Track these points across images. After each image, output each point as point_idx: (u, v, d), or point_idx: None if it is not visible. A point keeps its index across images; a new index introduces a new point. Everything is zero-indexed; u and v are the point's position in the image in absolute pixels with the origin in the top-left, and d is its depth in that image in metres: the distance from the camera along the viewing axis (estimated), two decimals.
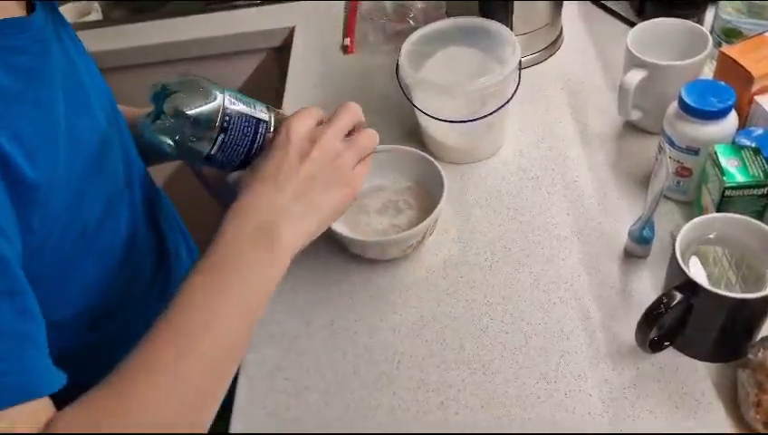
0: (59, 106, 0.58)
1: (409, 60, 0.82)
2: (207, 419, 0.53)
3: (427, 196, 0.78)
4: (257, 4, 1.25)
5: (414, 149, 0.79)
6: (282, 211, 0.58)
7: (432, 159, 0.77)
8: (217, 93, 0.59)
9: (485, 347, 0.67)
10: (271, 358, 0.70)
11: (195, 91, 0.59)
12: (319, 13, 1.18)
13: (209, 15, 1.25)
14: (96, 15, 1.45)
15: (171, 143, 0.58)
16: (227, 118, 0.59)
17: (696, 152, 0.70)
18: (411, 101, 0.82)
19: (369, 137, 0.64)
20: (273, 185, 0.58)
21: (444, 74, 0.82)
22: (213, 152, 0.60)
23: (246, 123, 0.60)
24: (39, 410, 0.49)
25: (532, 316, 0.69)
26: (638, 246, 0.71)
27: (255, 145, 0.61)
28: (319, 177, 0.59)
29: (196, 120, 0.58)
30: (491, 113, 0.79)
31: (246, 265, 0.56)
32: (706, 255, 0.62)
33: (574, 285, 0.71)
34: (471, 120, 0.80)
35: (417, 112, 0.83)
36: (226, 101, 0.59)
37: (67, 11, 1.42)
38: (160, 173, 1.28)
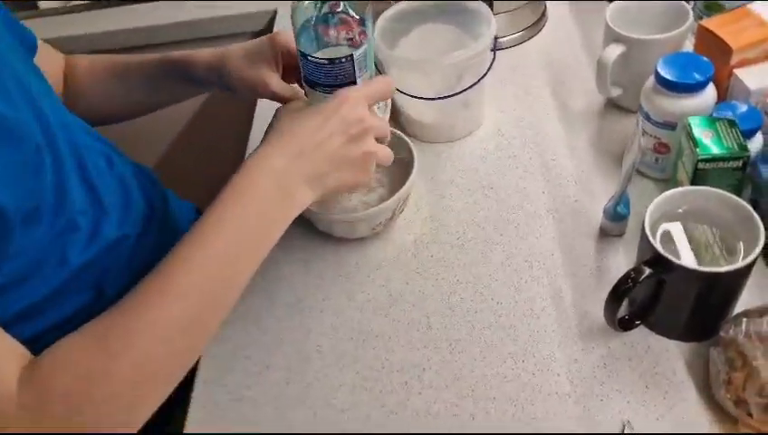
0: None
1: (383, 37, 0.80)
2: (201, 345, 0.55)
3: (401, 174, 0.76)
4: None
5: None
6: (298, 175, 0.58)
7: (403, 135, 0.75)
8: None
9: (453, 326, 0.65)
10: (233, 336, 0.68)
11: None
12: None
13: (190, 1, 1.23)
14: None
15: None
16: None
17: (673, 127, 0.68)
18: None
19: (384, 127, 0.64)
20: (301, 148, 0.58)
21: (419, 52, 0.80)
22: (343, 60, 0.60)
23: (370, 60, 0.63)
24: None
25: (503, 295, 0.67)
26: (613, 223, 0.69)
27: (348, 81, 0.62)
28: (346, 162, 0.60)
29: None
30: (466, 89, 0.77)
31: (261, 204, 0.57)
32: (693, 230, 0.59)
33: (547, 263, 0.69)
34: (446, 97, 0.78)
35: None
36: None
37: None
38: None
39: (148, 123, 0.95)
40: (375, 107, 0.66)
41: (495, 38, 0.77)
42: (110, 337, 0.50)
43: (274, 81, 0.66)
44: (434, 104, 0.80)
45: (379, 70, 0.80)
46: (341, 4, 0.59)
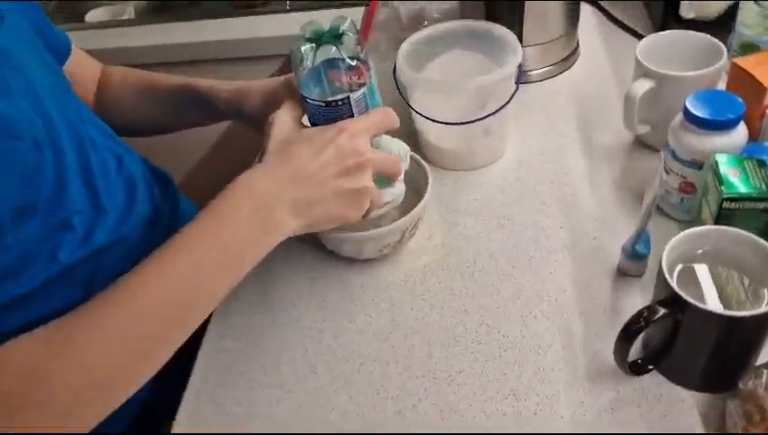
0: None
1: (409, 60, 0.79)
2: (154, 361, 0.53)
3: (414, 197, 0.74)
4: (279, 12, 1.25)
5: None
6: (284, 201, 0.56)
7: (419, 158, 0.74)
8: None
9: (455, 357, 0.62)
10: (230, 351, 0.66)
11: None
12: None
13: (234, 20, 1.26)
14: (129, 16, 1.49)
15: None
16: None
17: (700, 167, 0.65)
18: (406, 101, 0.79)
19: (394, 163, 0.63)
20: (292, 173, 0.57)
21: (444, 76, 0.79)
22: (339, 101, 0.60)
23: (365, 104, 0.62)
24: None
25: (510, 329, 0.64)
26: (631, 262, 0.65)
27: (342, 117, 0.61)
28: (337, 193, 0.58)
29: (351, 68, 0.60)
30: (487, 116, 0.75)
31: (238, 227, 0.55)
32: (716, 273, 0.56)
33: (559, 299, 0.66)
34: (466, 123, 0.76)
35: (414, 114, 0.80)
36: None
37: (103, 12, 1.47)
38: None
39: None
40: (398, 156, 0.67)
41: (520, 66, 0.76)
42: (58, 341, 0.49)
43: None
44: (455, 130, 0.78)
45: (402, 95, 0.80)
46: (335, 49, 0.60)
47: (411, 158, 0.74)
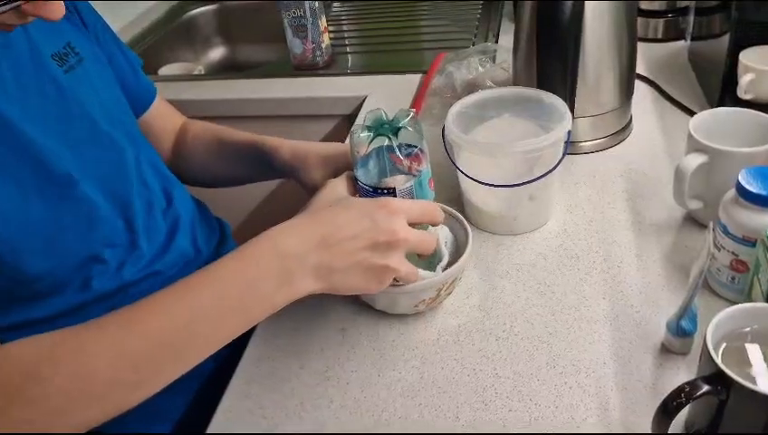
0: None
1: (459, 121, 0.80)
2: (149, 385, 0.53)
3: (455, 257, 0.73)
4: (339, 74, 1.30)
5: (447, 207, 0.76)
6: (306, 263, 0.56)
7: (461, 217, 0.74)
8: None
9: (483, 422, 0.60)
10: (255, 395, 0.65)
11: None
12: (393, 85, 1.21)
13: (295, 80, 1.31)
14: (199, 73, 1.57)
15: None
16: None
17: (753, 244, 0.62)
18: (453, 161, 0.80)
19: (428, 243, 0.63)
20: (322, 237, 0.56)
21: (492, 139, 0.80)
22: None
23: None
24: None
25: (543, 398, 0.61)
26: (676, 338, 0.63)
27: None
28: (361, 266, 0.58)
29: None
30: (533, 180, 0.75)
31: (256, 278, 0.55)
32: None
33: (597, 372, 0.63)
34: (511, 186, 0.76)
35: (460, 176, 0.81)
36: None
37: (176, 67, 1.55)
38: None
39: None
40: (442, 241, 0.68)
41: (569, 133, 0.76)
42: (64, 347, 0.50)
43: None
44: (499, 193, 0.78)
45: (449, 154, 0.80)
46: (388, 142, 0.66)
47: (453, 217, 0.74)
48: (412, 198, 0.63)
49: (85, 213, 0.62)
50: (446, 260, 0.69)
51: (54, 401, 0.48)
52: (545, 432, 0.54)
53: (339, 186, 0.64)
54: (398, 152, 0.68)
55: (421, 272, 0.65)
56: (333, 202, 0.60)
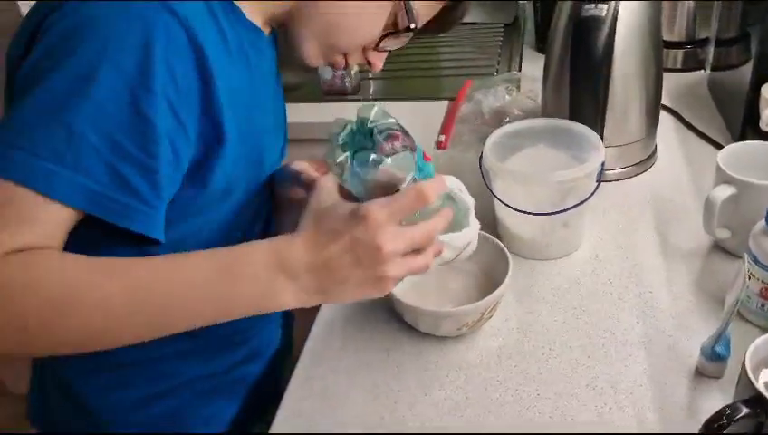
0: (256, 94, 0.71)
1: (495, 151, 0.84)
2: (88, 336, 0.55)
3: (492, 284, 0.77)
4: (367, 100, 1.34)
5: (485, 234, 0.79)
6: (296, 284, 0.57)
7: (500, 243, 0.77)
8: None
9: None
10: (307, 413, 0.69)
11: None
12: (421, 111, 1.25)
13: (324, 104, 1.35)
14: None
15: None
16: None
17: None
18: (490, 189, 0.83)
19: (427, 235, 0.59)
20: (310, 260, 0.56)
21: (527, 168, 0.84)
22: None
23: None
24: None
25: (584, 418, 0.64)
26: (710, 363, 0.66)
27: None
28: (352, 281, 0.57)
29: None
30: (568, 208, 0.79)
31: (244, 280, 0.57)
32: None
33: (634, 393, 0.66)
34: (546, 214, 0.79)
35: (495, 202, 0.84)
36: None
37: None
38: None
39: None
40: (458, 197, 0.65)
41: (602, 164, 0.79)
42: (65, 275, 0.53)
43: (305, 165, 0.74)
44: (534, 220, 0.81)
45: (486, 182, 0.84)
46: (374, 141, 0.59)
47: (491, 242, 0.78)
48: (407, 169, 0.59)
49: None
50: (472, 211, 0.67)
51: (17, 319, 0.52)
52: (546, 432, 0.56)
53: (330, 186, 0.61)
54: (382, 143, 0.61)
55: (443, 237, 0.63)
56: (320, 215, 0.59)
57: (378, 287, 0.58)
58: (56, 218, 0.54)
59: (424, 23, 0.74)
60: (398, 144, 0.61)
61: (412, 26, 0.71)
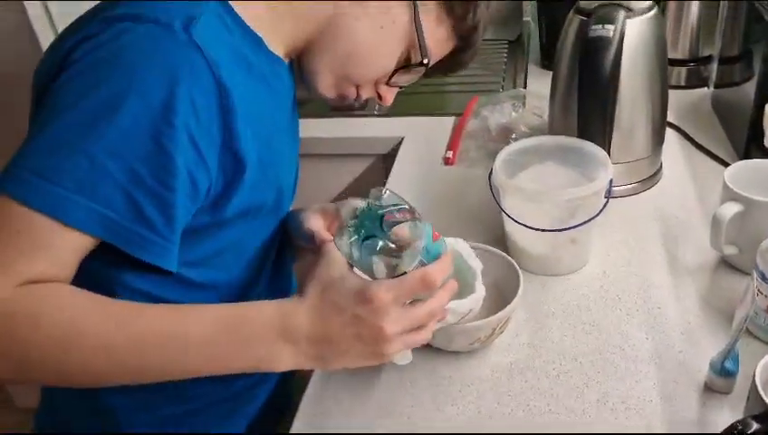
0: (276, 121, 0.73)
1: (504, 167, 0.85)
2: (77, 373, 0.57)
3: (503, 299, 0.78)
4: (374, 115, 1.36)
5: (496, 250, 0.80)
6: (300, 345, 0.59)
7: (511, 259, 0.78)
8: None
9: None
10: (321, 428, 0.69)
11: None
12: (428, 127, 1.26)
13: (332, 120, 1.37)
14: None
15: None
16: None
17: None
18: (500, 205, 0.85)
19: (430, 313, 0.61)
20: (314, 335, 0.58)
21: (536, 185, 0.85)
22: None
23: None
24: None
25: (595, 432, 0.65)
26: (720, 378, 0.67)
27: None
28: (352, 353, 0.59)
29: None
30: (576, 225, 0.80)
31: (246, 340, 0.58)
32: None
33: (645, 409, 0.67)
34: (555, 230, 0.81)
35: (505, 218, 0.86)
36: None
37: None
38: None
39: None
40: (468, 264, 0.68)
41: (611, 182, 0.81)
42: (80, 308, 0.55)
43: (319, 224, 0.73)
44: (543, 236, 0.83)
45: (495, 199, 0.85)
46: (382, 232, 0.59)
47: (502, 258, 0.79)
48: (425, 263, 0.60)
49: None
50: (479, 278, 0.70)
51: (16, 352, 0.53)
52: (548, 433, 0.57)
53: (338, 259, 0.61)
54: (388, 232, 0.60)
55: (451, 304, 0.65)
56: (326, 286, 0.59)
57: (377, 360, 0.60)
58: (72, 245, 0.55)
59: (435, 61, 0.77)
60: (408, 215, 0.61)
61: (425, 61, 0.74)
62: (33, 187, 0.54)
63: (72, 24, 0.66)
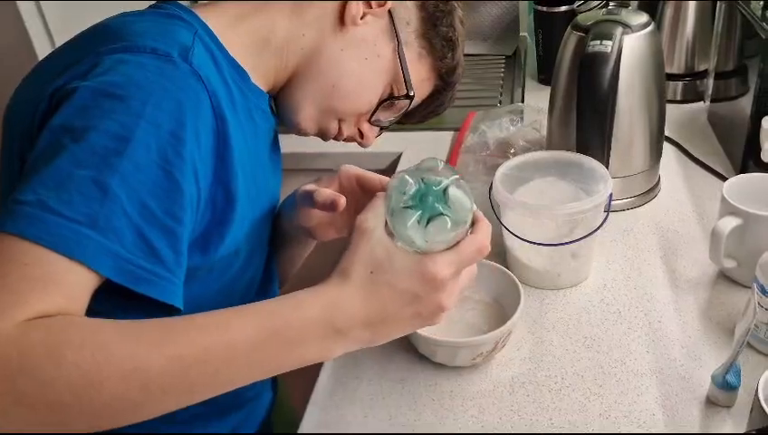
0: (260, 156, 0.73)
1: (504, 182, 0.86)
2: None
3: (504, 314, 0.78)
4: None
5: (497, 265, 0.81)
6: (351, 334, 0.55)
7: (513, 275, 0.79)
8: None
9: None
10: None
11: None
12: (427, 142, 1.27)
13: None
14: None
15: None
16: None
17: None
18: (499, 220, 0.85)
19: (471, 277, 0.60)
20: (368, 318, 0.55)
21: (536, 200, 0.86)
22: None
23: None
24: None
25: None
26: (722, 392, 0.67)
27: None
28: (405, 327, 0.58)
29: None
30: (577, 240, 0.80)
31: (291, 343, 0.54)
32: None
33: (647, 422, 0.67)
34: (555, 245, 0.81)
35: (505, 232, 0.86)
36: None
37: None
38: None
39: None
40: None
41: (610, 196, 0.81)
42: (94, 341, 0.48)
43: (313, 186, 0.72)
44: (543, 251, 0.83)
45: (496, 213, 0.86)
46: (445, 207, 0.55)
47: (503, 273, 0.79)
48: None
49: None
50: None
51: (53, 388, 0.46)
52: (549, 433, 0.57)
53: (379, 234, 0.56)
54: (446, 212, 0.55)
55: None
56: (378, 265, 0.55)
57: (425, 326, 0.59)
58: (83, 281, 0.52)
59: (417, 101, 0.77)
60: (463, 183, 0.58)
61: (411, 94, 0.75)
62: (47, 224, 0.50)
63: (43, 61, 0.65)
